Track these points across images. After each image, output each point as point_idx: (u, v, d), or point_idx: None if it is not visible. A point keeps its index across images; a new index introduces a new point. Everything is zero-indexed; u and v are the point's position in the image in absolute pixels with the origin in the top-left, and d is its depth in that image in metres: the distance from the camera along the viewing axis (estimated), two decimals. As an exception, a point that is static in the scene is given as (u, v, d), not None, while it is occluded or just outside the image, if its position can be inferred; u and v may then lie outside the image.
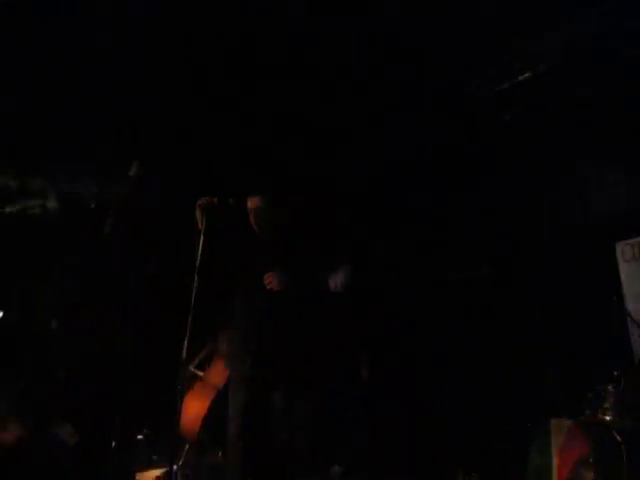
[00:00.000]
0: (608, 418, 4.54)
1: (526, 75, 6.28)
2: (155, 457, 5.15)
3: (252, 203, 3.88)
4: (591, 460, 4.36)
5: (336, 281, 4.83)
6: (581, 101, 6.19)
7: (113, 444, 3.63)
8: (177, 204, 5.70)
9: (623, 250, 6.26)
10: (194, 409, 5.00)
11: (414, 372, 6.10)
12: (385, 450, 5.16)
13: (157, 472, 5.02)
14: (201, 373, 5.35)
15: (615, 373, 4.68)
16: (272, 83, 6.30)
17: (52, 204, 6.97)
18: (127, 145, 7.18)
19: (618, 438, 4.53)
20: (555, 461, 4.60)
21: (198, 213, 3.50)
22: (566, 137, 6.52)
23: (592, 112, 6.14)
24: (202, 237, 3.35)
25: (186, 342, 3.34)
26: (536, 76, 6.24)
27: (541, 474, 4.69)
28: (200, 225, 3.46)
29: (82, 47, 5.85)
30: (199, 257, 3.27)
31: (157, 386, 5.01)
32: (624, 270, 6.20)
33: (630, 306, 5.61)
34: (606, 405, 4.58)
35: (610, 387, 4.59)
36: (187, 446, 5.04)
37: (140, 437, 5.39)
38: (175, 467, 4.41)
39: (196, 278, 3.23)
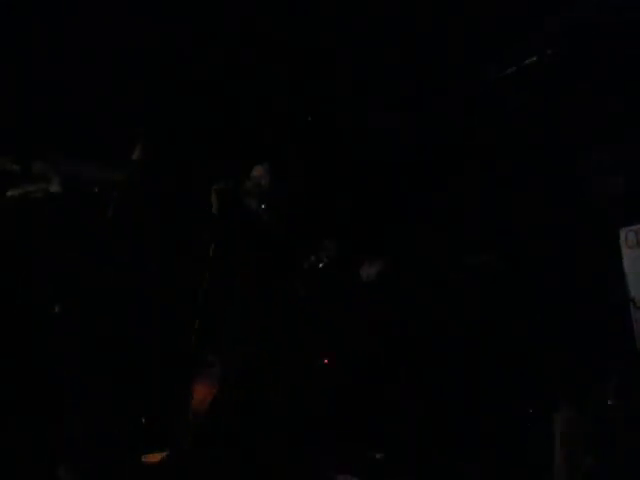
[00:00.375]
0: (609, 403, 4.59)
1: (530, 60, 6.25)
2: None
3: (257, 171, 3.65)
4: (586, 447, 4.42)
5: (368, 271, 4.80)
6: (582, 89, 6.17)
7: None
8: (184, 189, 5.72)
9: (627, 236, 6.27)
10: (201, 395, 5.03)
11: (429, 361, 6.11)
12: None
13: (162, 454, 5.07)
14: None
15: (618, 362, 4.72)
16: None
17: (55, 188, 6.93)
18: (131, 129, 7.16)
19: (617, 425, 4.61)
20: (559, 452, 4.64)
21: (214, 198, 3.42)
22: (568, 123, 6.50)
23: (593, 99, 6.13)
24: (217, 222, 3.29)
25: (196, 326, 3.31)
26: (535, 64, 6.21)
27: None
28: (215, 210, 3.39)
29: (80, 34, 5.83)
30: (213, 244, 3.22)
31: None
32: (627, 256, 6.22)
33: (633, 292, 5.63)
34: (607, 393, 4.63)
35: (612, 376, 4.63)
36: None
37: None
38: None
39: (209, 264, 3.20)
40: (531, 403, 5.23)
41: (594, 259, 6.03)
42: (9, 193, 6.72)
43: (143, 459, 5.01)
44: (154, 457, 5.06)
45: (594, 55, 6.01)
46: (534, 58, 6.24)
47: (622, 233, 6.28)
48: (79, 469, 3.49)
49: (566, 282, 6.01)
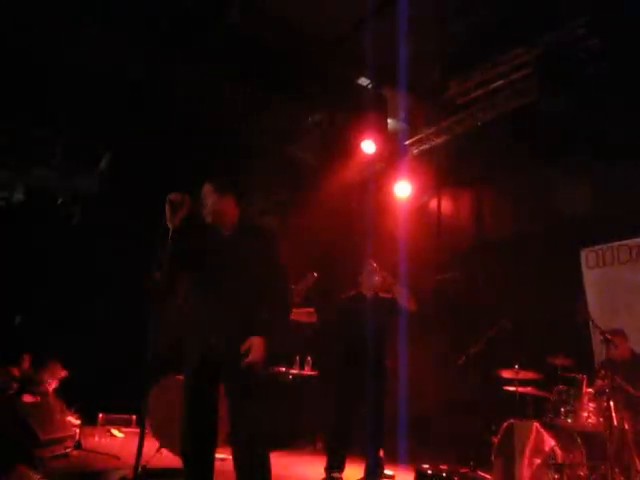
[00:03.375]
0: (570, 420, 4.65)
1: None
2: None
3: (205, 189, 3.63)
4: (553, 461, 4.47)
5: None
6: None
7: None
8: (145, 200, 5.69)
9: (587, 257, 6.42)
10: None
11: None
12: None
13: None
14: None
15: (577, 377, 4.80)
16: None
17: (18, 197, 6.83)
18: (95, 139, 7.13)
19: (579, 440, 4.68)
20: (519, 461, 4.69)
21: (168, 208, 3.37)
22: (535, 144, 6.66)
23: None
24: (170, 233, 3.26)
25: (152, 335, 3.24)
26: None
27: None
28: (169, 221, 3.34)
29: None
30: (165, 254, 3.18)
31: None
32: (588, 276, 6.36)
33: (593, 311, 5.75)
34: (568, 407, 4.69)
35: (572, 390, 4.71)
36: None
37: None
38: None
39: (159, 272, 3.16)
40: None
41: (555, 278, 6.15)
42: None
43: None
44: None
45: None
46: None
47: (583, 253, 6.42)
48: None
49: (528, 300, 6.11)
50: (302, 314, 5.16)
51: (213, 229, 3.52)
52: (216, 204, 3.49)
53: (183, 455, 3.25)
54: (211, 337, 3.26)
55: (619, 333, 5.17)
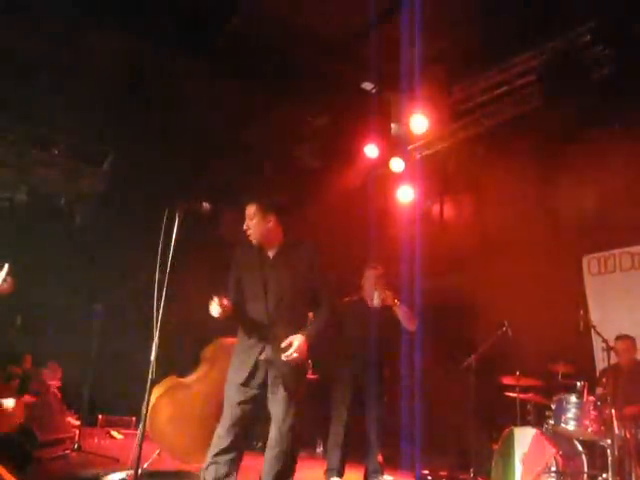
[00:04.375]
0: (571, 428, 4.63)
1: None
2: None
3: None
4: (554, 469, 4.45)
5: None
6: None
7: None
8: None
9: (589, 263, 6.41)
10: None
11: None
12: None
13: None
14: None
15: (578, 384, 4.78)
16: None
17: (21, 197, 6.84)
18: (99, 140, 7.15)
19: (579, 447, 4.66)
20: (519, 469, 4.67)
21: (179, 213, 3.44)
22: (539, 151, 6.65)
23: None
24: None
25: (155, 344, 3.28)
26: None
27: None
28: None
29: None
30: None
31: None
32: (589, 283, 6.35)
33: (595, 318, 5.73)
34: (569, 415, 4.67)
35: (573, 397, 4.69)
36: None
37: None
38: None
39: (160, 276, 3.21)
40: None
41: (557, 285, 6.13)
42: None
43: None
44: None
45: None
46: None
47: (585, 260, 6.41)
48: None
49: (530, 307, 6.09)
50: None
51: (259, 249, 3.74)
52: (262, 225, 3.67)
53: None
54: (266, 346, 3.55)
55: (625, 338, 5.17)
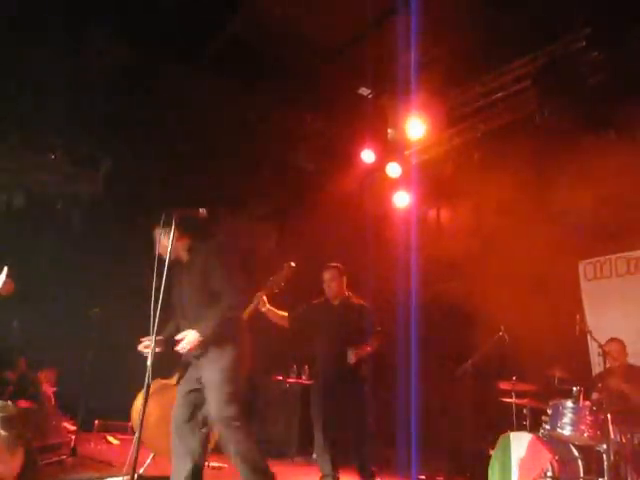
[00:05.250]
0: (567, 433, 4.63)
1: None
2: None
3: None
4: (550, 474, 4.46)
5: None
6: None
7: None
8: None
9: (585, 269, 6.43)
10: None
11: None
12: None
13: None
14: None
15: (574, 389, 4.79)
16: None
17: (18, 201, 6.84)
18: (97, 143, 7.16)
19: (576, 452, 4.67)
20: (515, 474, 4.67)
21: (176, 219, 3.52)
22: (534, 156, 6.68)
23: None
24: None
25: (152, 347, 3.31)
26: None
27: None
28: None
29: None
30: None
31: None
32: (585, 288, 6.37)
33: (591, 323, 5.75)
34: (565, 420, 4.67)
35: (569, 402, 4.69)
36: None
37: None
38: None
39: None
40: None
41: (553, 290, 6.14)
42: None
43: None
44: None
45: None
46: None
47: (581, 265, 6.43)
48: None
49: (526, 312, 6.11)
50: (276, 315, 5.06)
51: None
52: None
53: None
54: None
55: (614, 341, 5.19)
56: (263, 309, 4.90)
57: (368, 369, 5.04)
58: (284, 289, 4.79)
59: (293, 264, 4.80)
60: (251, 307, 4.84)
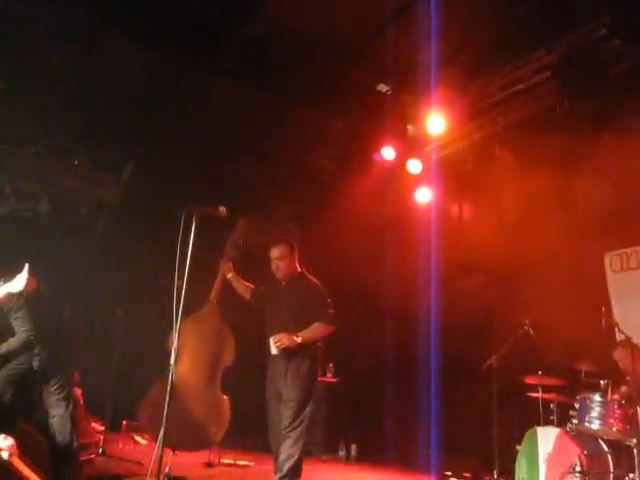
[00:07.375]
0: (595, 427, 4.56)
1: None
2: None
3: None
4: (578, 469, 4.40)
5: None
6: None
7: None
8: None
9: (611, 261, 6.32)
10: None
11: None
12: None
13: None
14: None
15: (602, 382, 4.72)
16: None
17: (44, 207, 6.95)
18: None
19: (605, 447, 4.60)
20: (543, 469, 4.62)
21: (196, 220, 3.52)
22: (556, 149, 6.59)
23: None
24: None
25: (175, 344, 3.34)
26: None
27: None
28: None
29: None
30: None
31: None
32: (612, 281, 6.26)
33: (617, 316, 5.66)
34: (593, 414, 4.60)
35: (597, 396, 4.62)
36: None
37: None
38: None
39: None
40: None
41: (580, 283, 6.06)
42: (-1, 211, 6.72)
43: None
44: None
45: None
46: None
47: (607, 258, 6.33)
48: None
49: (552, 305, 6.03)
50: (241, 285, 4.75)
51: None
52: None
53: None
54: None
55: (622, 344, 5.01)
56: (228, 276, 4.73)
57: (315, 364, 4.41)
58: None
59: (245, 220, 4.75)
60: (218, 276, 4.81)
